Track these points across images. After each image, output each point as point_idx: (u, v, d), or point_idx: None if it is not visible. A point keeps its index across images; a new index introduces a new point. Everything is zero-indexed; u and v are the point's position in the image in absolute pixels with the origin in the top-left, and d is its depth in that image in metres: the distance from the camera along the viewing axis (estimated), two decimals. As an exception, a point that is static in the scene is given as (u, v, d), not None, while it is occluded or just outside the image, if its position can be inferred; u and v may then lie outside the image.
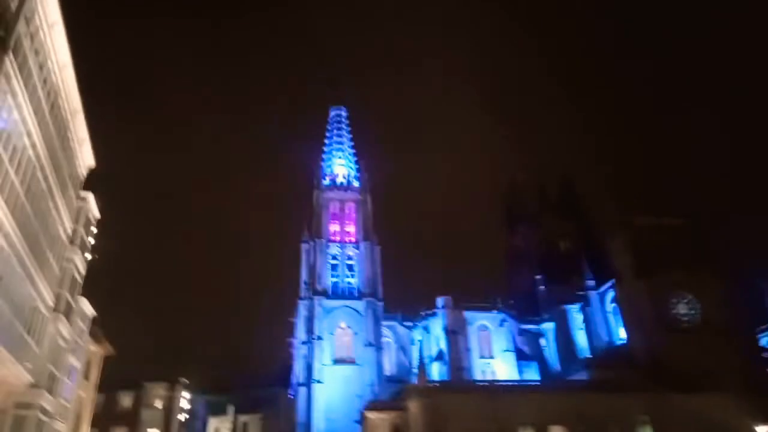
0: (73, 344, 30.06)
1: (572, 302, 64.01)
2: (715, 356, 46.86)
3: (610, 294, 61.50)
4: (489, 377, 57.12)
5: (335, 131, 75.47)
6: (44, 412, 24.75)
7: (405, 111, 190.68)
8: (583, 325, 63.27)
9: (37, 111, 20.14)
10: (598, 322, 62.09)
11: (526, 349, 63.62)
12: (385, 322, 61.64)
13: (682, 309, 54.81)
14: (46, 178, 21.95)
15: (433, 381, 52.40)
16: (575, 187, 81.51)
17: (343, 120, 76.72)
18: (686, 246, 55.99)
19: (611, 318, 61.61)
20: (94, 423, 41.90)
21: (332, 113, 77.34)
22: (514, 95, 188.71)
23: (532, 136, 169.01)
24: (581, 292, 63.79)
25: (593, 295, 63.12)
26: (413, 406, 44.61)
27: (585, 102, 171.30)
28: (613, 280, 59.76)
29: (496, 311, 62.72)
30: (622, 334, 59.31)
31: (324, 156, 73.64)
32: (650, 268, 54.30)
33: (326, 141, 75.11)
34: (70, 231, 26.54)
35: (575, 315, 64.07)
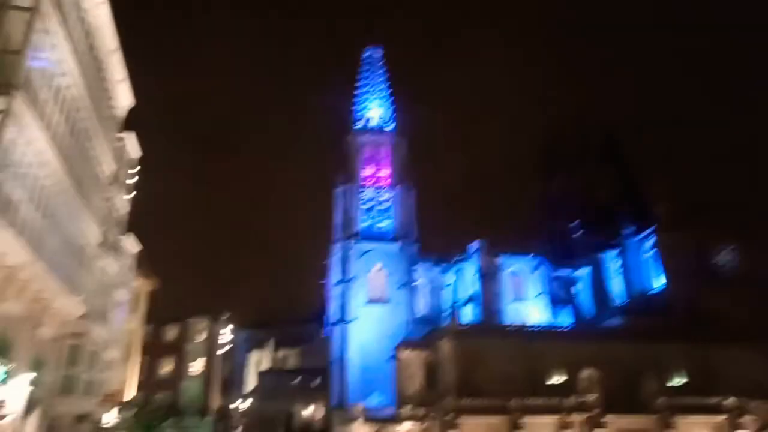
0: (120, 279, 31.52)
1: (609, 249, 63.05)
2: (758, 307, 45.78)
3: (649, 241, 60.16)
4: (521, 321, 57.59)
5: (369, 72, 73.95)
6: (96, 341, 26.33)
7: (441, 51, 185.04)
8: (619, 273, 62.48)
9: (76, 50, 20.26)
10: (634, 269, 61.13)
11: (559, 294, 63.50)
12: (418, 265, 62.29)
13: (724, 258, 53.36)
14: (87, 117, 22.36)
15: (465, 323, 53.18)
16: (616, 132, 78.63)
17: (378, 60, 74.94)
18: (732, 192, 53.95)
19: (648, 267, 60.54)
20: (144, 353, 44.56)
21: (366, 53, 75.58)
22: (555, 35, 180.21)
23: (574, 78, 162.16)
24: (619, 239, 62.63)
25: (631, 241, 61.88)
26: (445, 346, 45.54)
27: (629, 42, 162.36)
28: (653, 227, 58.36)
29: (530, 256, 62.45)
30: (658, 282, 58.42)
31: (357, 98, 72.61)
32: (693, 215, 52.68)
33: (360, 83, 73.81)
34: (112, 170, 27.25)
35: (611, 262, 63.21)
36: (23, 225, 16.67)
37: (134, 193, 32.24)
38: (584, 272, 64.90)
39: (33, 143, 17.32)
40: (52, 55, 18.43)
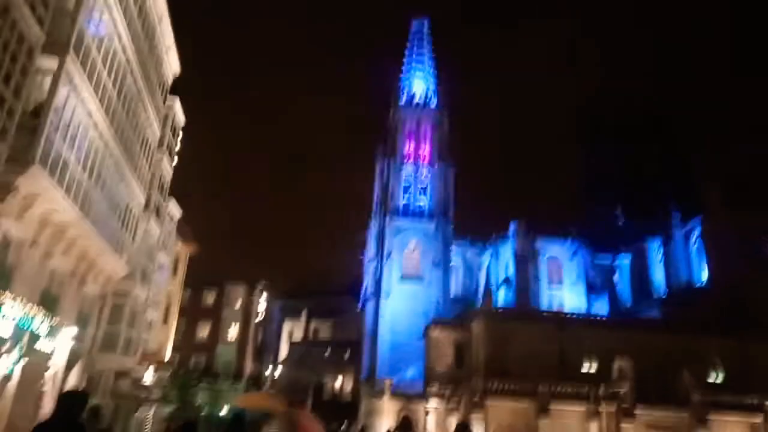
0: (163, 242, 32.39)
1: (653, 237, 61.10)
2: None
3: (696, 231, 57.94)
4: (556, 307, 56.84)
5: (415, 46, 72.85)
6: (138, 300, 27.25)
7: (489, 25, 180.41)
8: (661, 262, 60.64)
9: (126, 14, 20.54)
10: (679, 260, 59.17)
11: (597, 281, 62.27)
12: (454, 244, 61.98)
13: (774, 247, 50.96)
14: (136, 82, 22.75)
15: (499, 306, 52.84)
16: (662, 109, 75.38)
17: (425, 33, 73.63)
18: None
19: (694, 257, 58.49)
20: (181, 316, 45.97)
21: (413, 26, 74.39)
22: (604, 8, 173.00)
23: (621, 51, 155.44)
24: (663, 227, 60.53)
25: (677, 231, 59.72)
26: (477, 327, 45.38)
27: (681, 15, 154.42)
28: (701, 216, 56.08)
29: (569, 241, 61.23)
30: (702, 274, 56.46)
31: (403, 72, 71.76)
32: (743, 202, 50.37)
33: (406, 55, 72.82)
34: (158, 134, 27.77)
35: (654, 251, 61.33)
36: (72, 184, 17.18)
37: (177, 158, 32.88)
38: (625, 260, 63.34)
39: (84, 104, 17.74)
40: (103, 18, 18.72)
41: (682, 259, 58.87)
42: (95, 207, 19.41)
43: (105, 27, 18.99)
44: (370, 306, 59.24)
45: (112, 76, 19.98)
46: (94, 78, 18.31)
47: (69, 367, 20.72)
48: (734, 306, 46.34)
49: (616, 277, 63.35)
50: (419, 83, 70.52)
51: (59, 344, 18.24)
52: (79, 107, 17.47)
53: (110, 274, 23.26)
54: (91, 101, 18.12)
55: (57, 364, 19.16)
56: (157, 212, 29.43)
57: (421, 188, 64.29)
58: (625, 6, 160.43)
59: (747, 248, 50.29)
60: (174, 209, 34.64)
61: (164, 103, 28.94)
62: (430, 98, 69.69)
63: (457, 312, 53.56)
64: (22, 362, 15.47)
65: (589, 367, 42.60)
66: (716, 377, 42.33)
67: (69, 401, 5.56)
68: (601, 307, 59.48)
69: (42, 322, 16.15)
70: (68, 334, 18.70)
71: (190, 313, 50.46)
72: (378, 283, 58.99)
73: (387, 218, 61.00)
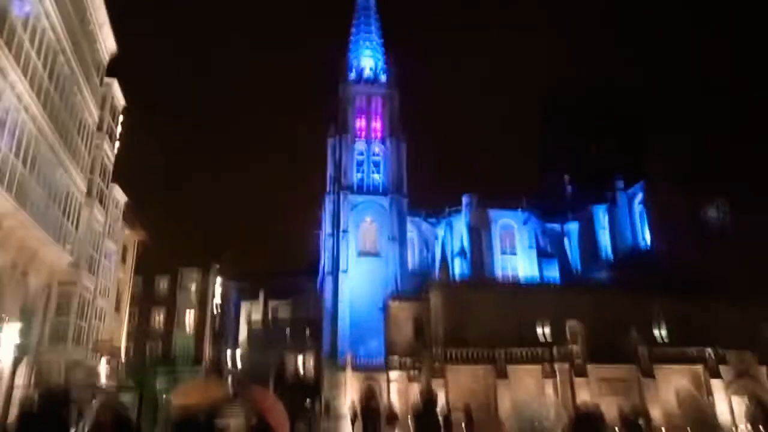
0: (109, 229, 31.32)
1: (599, 203, 63.49)
2: (743, 265, 46.29)
3: (639, 196, 60.57)
4: (510, 275, 58.42)
5: (363, 20, 71.91)
6: (86, 289, 26.38)
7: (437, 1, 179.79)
8: (607, 227, 63.16)
9: (54, -10, 19.38)
10: (624, 224, 61.79)
11: (549, 248, 64.23)
12: (409, 218, 62.48)
13: (712, 214, 53.90)
14: (68, 62, 21.62)
15: (455, 277, 53.90)
16: (614, 87, 77.84)
17: (372, 7, 72.77)
18: (723, 151, 53.99)
19: (638, 221, 61.17)
20: (135, 304, 44.84)
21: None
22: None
23: (574, 32, 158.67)
24: (609, 193, 62.98)
25: (621, 196, 62.26)
26: (435, 298, 46.26)
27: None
28: (644, 182, 58.66)
29: (520, 210, 62.77)
30: (647, 237, 59.15)
31: (351, 47, 70.83)
32: (683, 172, 52.87)
33: (353, 30, 71.86)
34: (96, 117, 26.61)
35: (601, 216, 63.77)
36: (5, 173, 16.32)
37: (120, 143, 31.65)
38: (574, 227, 65.55)
39: (12, 88, 16.76)
40: (29, -3, 17.62)
41: (627, 224, 61.51)
42: (32, 196, 18.54)
43: (31, 4, 17.88)
44: (328, 283, 59.30)
45: (42, 56, 18.93)
46: (22, 59, 17.31)
47: (16, 362, 19.95)
48: (675, 267, 48.91)
49: (565, 243, 65.54)
50: (368, 58, 69.81)
51: (3, 340, 17.50)
52: (8, 91, 16.51)
53: (54, 265, 22.38)
54: (20, 84, 17.16)
55: (2, 361, 18.41)
56: (101, 199, 28.36)
57: (374, 164, 64.23)
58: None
59: (686, 213, 52.94)
60: (119, 195, 33.47)
61: (101, 84, 27.68)
62: (380, 73, 69.21)
63: (416, 285, 54.30)
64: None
65: (542, 330, 44.13)
66: (660, 334, 44.73)
67: (51, 397, 5.75)
68: (553, 273, 61.52)
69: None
70: (12, 329, 17.95)
71: (144, 301, 49.30)
72: (335, 259, 59.03)
73: (341, 195, 60.83)
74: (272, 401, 5.54)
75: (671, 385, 39.52)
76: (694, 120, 57.13)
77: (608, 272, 53.98)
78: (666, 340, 43.48)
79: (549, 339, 41.42)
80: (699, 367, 39.75)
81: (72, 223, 23.44)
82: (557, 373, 38.52)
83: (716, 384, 38.87)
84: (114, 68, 29.21)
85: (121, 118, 30.95)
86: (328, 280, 59.30)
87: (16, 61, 16.73)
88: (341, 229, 59.41)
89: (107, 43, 27.38)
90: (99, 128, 27.31)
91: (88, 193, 26.07)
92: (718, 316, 41.84)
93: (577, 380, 37.72)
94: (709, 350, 39.83)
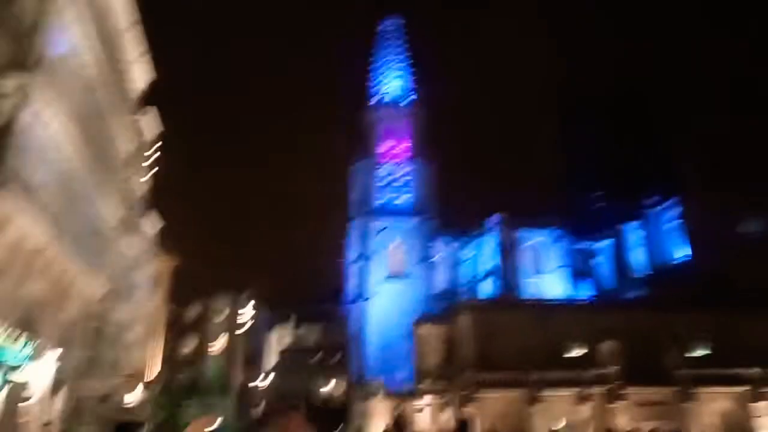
0: (142, 257, 31.88)
1: (630, 219, 62.11)
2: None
3: (672, 211, 58.99)
4: (540, 295, 57.34)
5: (386, 44, 72.73)
6: (118, 321, 26.78)
7: (460, 20, 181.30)
8: (640, 244, 61.65)
9: (89, 30, 20.14)
10: (656, 240, 60.21)
11: (579, 267, 62.95)
12: (437, 240, 62.11)
13: (751, 225, 52.12)
14: (103, 98, 22.36)
15: (484, 298, 53.15)
16: (640, 91, 76.39)
17: (395, 32, 73.52)
18: (762, 154, 51.92)
19: (671, 237, 59.57)
20: (167, 331, 45.34)
21: (383, 24, 74.20)
22: None
23: (596, 39, 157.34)
24: (641, 209, 61.54)
25: (654, 212, 60.76)
26: (463, 320, 45.57)
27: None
28: (677, 196, 57.15)
29: (549, 229, 61.84)
30: (681, 253, 57.50)
31: (374, 72, 71.59)
32: (719, 181, 51.47)
33: (376, 55, 72.70)
34: (130, 149, 27.34)
35: (633, 233, 62.32)
36: (43, 207, 16.80)
37: (155, 169, 32.32)
38: (605, 244, 64.18)
39: (50, 124, 17.35)
40: (65, 36, 18.34)
41: (660, 239, 59.95)
42: (69, 227, 19.02)
43: (68, 44, 18.61)
44: (356, 308, 59.13)
45: (78, 93, 19.60)
46: (59, 96, 17.94)
47: (54, 393, 20.23)
48: (714, 281, 47.27)
49: (597, 261, 64.19)
50: (393, 81, 70.46)
51: (41, 370, 17.78)
52: (45, 128, 17.10)
53: (89, 295, 22.80)
54: (57, 120, 17.75)
55: (39, 391, 18.68)
56: (135, 228, 28.97)
57: (401, 186, 64.30)
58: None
59: (724, 225, 51.40)
60: (153, 223, 34.13)
61: (135, 115, 28.52)
62: (405, 95, 69.70)
63: (444, 307, 53.69)
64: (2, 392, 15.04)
65: (576, 351, 43.06)
66: (701, 352, 43.11)
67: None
68: (585, 292, 60.18)
69: (20, 349, 15.72)
70: (50, 358, 18.25)
71: (175, 328, 49.82)
72: (362, 284, 58.92)
73: (367, 218, 60.93)
74: (302, 427, 5.54)
75: (714, 409, 37.91)
76: (725, 129, 55.49)
77: (642, 290, 52.52)
78: (707, 359, 41.90)
79: (582, 360, 40.48)
80: (743, 389, 38.06)
81: (106, 254, 23.94)
82: (593, 397, 37.35)
83: (760, 407, 37.13)
84: (151, 96, 30.04)
85: (156, 145, 31.72)
86: (356, 305, 59.14)
87: (53, 99, 17.34)
88: (366, 254, 59.37)
89: (143, 74, 28.28)
90: (134, 158, 28.03)
91: (123, 222, 26.65)
92: (760, 332, 40.20)
93: (615, 404, 36.48)
94: (754, 370, 38.16)
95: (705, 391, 37.82)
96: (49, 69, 16.94)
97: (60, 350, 19.41)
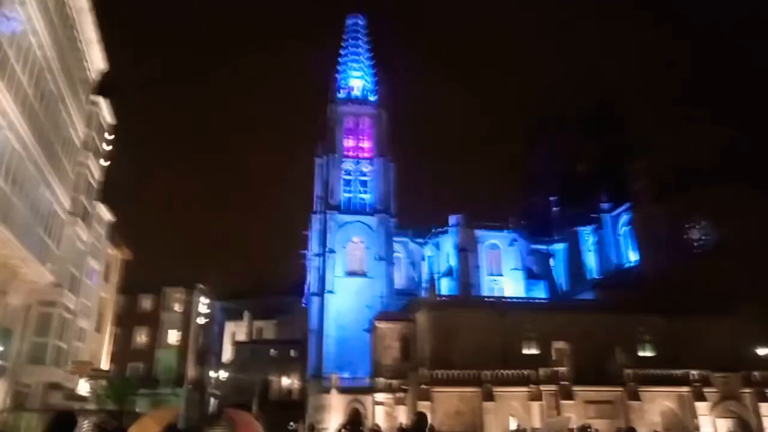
0: (92, 247, 30.90)
1: (585, 224, 64.10)
2: (729, 281, 46.31)
3: (624, 217, 61.27)
4: (497, 294, 58.41)
5: (351, 41, 72.62)
6: (67, 309, 25.90)
7: (426, 21, 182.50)
8: (594, 248, 63.66)
9: (42, 8, 19.36)
10: (609, 244, 62.33)
11: (535, 268, 64.49)
12: (396, 238, 62.50)
13: (696, 233, 54.53)
14: (55, 80, 21.51)
15: (442, 295, 53.76)
16: (600, 110, 78.83)
17: (361, 29, 73.57)
18: (707, 165, 53.87)
19: (623, 241, 61.74)
20: (117, 323, 44.03)
21: (349, 21, 74.09)
22: (544, 8, 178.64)
23: (560, 51, 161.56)
24: (595, 215, 63.62)
25: (607, 217, 62.96)
26: (421, 318, 46.04)
27: (622, 16, 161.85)
28: (629, 203, 59.37)
29: (507, 230, 63.08)
30: (632, 257, 59.61)
31: (340, 67, 71.37)
32: (667, 191, 53.53)
33: (342, 51, 72.53)
34: (83, 136, 26.42)
35: (587, 237, 64.34)
36: (-13, 190, 16.08)
37: (108, 162, 31.38)
38: (560, 247, 65.97)
39: (-3, 105, 16.62)
40: (18, 13, 17.57)
41: (613, 243, 62.06)
42: (13, 213, 18.26)
43: (18, 23, 17.82)
44: (314, 303, 58.86)
45: (28, 74, 18.82)
46: (8, 76, 17.19)
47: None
48: (661, 286, 49.21)
49: (552, 263, 65.84)
50: (357, 79, 70.38)
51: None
52: (-8, 107, 16.36)
53: (34, 284, 21.97)
54: (5, 101, 17.01)
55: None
56: (86, 217, 28.01)
57: (362, 183, 64.32)
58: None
59: (671, 232, 53.54)
60: (104, 213, 33.09)
61: (88, 102, 27.54)
62: (368, 93, 69.71)
63: (403, 304, 54.10)
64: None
65: (530, 350, 44.13)
66: (648, 353, 44.87)
67: (60, 422, 5.58)
68: (540, 293, 61.67)
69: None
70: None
71: (127, 320, 48.44)
72: (322, 279, 58.69)
73: (329, 214, 60.74)
74: (252, 422, 5.54)
75: (657, 408, 39.50)
76: (677, 134, 57.57)
77: (594, 292, 54.15)
78: (652, 359, 43.61)
79: (536, 359, 41.50)
80: (685, 389, 39.78)
81: (54, 241, 23.10)
82: (544, 396, 38.32)
83: (701, 406, 38.87)
84: (106, 86, 29.13)
85: (109, 136, 30.74)
86: (314, 300, 58.88)
87: (2, 79, 16.62)
88: (328, 249, 59.19)
89: (96, 62, 27.33)
90: (85, 146, 27.09)
91: (72, 211, 25.74)
92: (704, 334, 42.08)
93: (564, 403, 37.52)
94: (694, 372, 39.93)
95: (649, 392, 39.37)
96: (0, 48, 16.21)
97: (0, 338, 18.65)
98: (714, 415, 38.97)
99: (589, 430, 27.20)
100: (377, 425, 31.34)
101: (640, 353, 44.87)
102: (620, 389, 39.13)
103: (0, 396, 20.60)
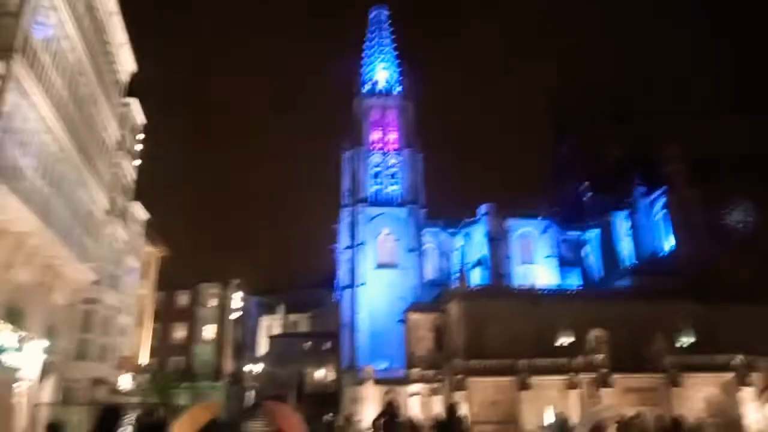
0: (130, 246, 31.70)
1: (619, 210, 62.65)
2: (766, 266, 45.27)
3: (660, 202, 59.57)
4: (529, 284, 57.71)
5: (376, 34, 72.47)
6: (109, 306, 26.67)
7: (451, 11, 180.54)
8: (628, 234, 62.18)
9: (73, 12, 19.80)
10: (644, 230, 60.76)
11: (568, 256, 63.42)
12: (427, 229, 62.29)
13: (735, 217, 52.89)
14: (89, 82, 22.02)
15: (474, 286, 53.45)
16: (628, 94, 76.86)
17: (384, 21, 73.33)
18: (745, 151, 52.74)
19: (659, 227, 60.13)
20: (156, 318, 45.23)
21: (372, 13, 73.90)
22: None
23: (589, 40, 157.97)
24: (629, 200, 62.13)
25: (642, 202, 61.35)
26: (454, 308, 45.91)
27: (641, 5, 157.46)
28: (664, 188, 57.80)
29: (538, 219, 62.20)
30: (669, 243, 58.09)
31: (365, 60, 71.35)
32: (704, 175, 52.04)
33: (366, 44, 72.46)
34: (117, 137, 27.04)
35: (621, 223, 62.83)
36: (29, 192, 16.60)
37: (140, 160, 32.11)
38: (593, 234, 64.65)
39: (35, 109, 17.10)
40: (50, 18, 18.03)
41: (648, 229, 60.47)
42: (56, 214, 18.82)
43: (52, 27, 18.29)
44: (346, 296, 59.27)
45: (63, 77, 19.30)
46: (44, 80, 17.64)
47: (42, 379, 20.18)
48: (698, 272, 47.93)
49: (586, 251, 64.67)
50: (382, 71, 70.25)
51: (29, 358, 17.72)
52: (31, 112, 16.84)
53: (77, 283, 22.65)
54: (43, 105, 17.48)
55: (29, 377, 18.62)
56: (122, 216, 28.74)
57: (391, 175, 64.32)
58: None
59: (708, 217, 52.04)
60: (140, 212, 33.89)
61: (121, 103, 28.16)
62: (394, 85, 69.54)
63: (434, 294, 54.00)
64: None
65: (565, 339, 43.55)
66: (687, 341, 43.79)
67: (106, 416, 5.93)
68: (574, 281, 60.67)
69: (9, 337, 15.64)
70: (38, 346, 18.18)
71: (165, 316, 49.70)
72: (353, 272, 59.02)
73: (358, 207, 60.96)
74: (291, 414, 5.58)
75: (700, 395, 38.58)
76: (713, 118, 56.07)
77: (630, 279, 53.00)
78: (692, 347, 42.58)
79: (571, 348, 40.97)
80: (729, 375, 38.75)
81: (94, 240, 23.75)
82: (582, 384, 37.84)
83: (746, 392, 37.84)
84: (134, 87, 29.76)
85: (141, 136, 31.43)
86: (346, 292, 59.29)
87: (39, 82, 17.08)
88: (358, 242, 59.45)
89: (126, 63, 27.89)
90: (120, 147, 27.74)
91: (110, 210, 26.42)
92: (745, 320, 40.86)
93: (603, 391, 36.98)
94: (739, 357, 38.83)
95: (691, 379, 38.49)
96: (33, 52, 16.66)
97: (47, 338, 19.32)
98: (762, 401, 37.90)
99: (639, 418, 26.67)
100: (413, 416, 31.34)
101: (679, 340, 43.84)
102: (661, 376, 38.37)
103: (51, 391, 21.34)
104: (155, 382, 35.15)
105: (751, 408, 37.32)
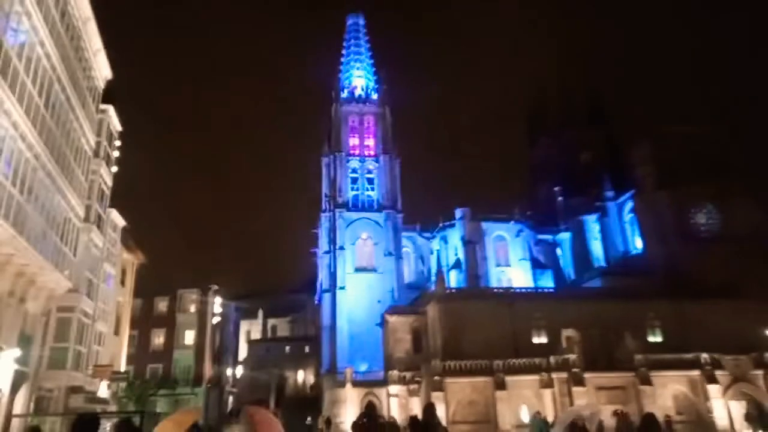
0: (107, 253, 31.58)
1: (590, 212, 64.10)
2: (735, 266, 46.83)
3: (629, 204, 61.23)
4: (505, 285, 58.66)
5: (353, 41, 73.06)
6: (85, 314, 26.62)
7: (426, 17, 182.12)
8: (599, 236, 63.66)
9: (47, 19, 19.89)
10: (614, 232, 62.33)
11: (542, 258, 64.62)
12: (404, 233, 62.97)
13: (701, 219, 54.52)
14: (63, 89, 22.07)
15: (451, 288, 54.13)
16: (600, 99, 78.65)
17: (361, 28, 73.96)
18: (709, 155, 54.59)
19: (628, 229, 61.70)
20: (134, 326, 44.85)
21: (349, 21, 74.44)
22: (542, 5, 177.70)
23: (559, 46, 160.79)
24: (600, 203, 63.63)
25: (611, 205, 62.96)
26: (431, 310, 46.49)
27: (612, 10, 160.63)
28: (633, 191, 59.37)
29: (513, 222, 63.28)
30: (638, 244, 59.59)
31: (342, 67, 71.83)
32: (671, 178, 53.57)
33: (344, 52, 72.97)
34: (93, 143, 27.01)
35: (592, 225, 64.34)
36: (1, 200, 16.66)
37: (117, 167, 32.02)
38: (566, 236, 66.01)
39: (8, 116, 17.16)
40: (23, 24, 18.10)
41: (618, 231, 62.04)
42: (29, 222, 18.87)
43: (25, 33, 18.37)
44: (326, 299, 59.54)
45: (37, 84, 19.37)
46: (17, 88, 17.73)
47: (14, 389, 20.10)
48: (667, 272, 49.38)
49: (559, 253, 65.91)
50: (359, 78, 70.82)
51: (1, 364, 17.72)
52: (3, 119, 16.93)
53: (52, 291, 22.61)
54: (16, 112, 17.56)
55: (2, 384, 18.59)
56: (99, 223, 28.69)
57: (369, 180, 64.86)
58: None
59: (675, 219, 53.58)
60: (117, 219, 33.75)
61: (97, 109, 28.14)
62: (371, 92, 70.12)
63: (413, 297, 54.56)
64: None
65: (539, 339, 44.44)
66: (656, 339, 45.02)
67: (82, 425, 5.86)
68: (547, 282, 61.84)
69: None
70: (9, 356, 18.14)
71: (144, 322, 49.29)
72: (333, 276, 59.33)
73: (337, 212, 61.32)
74: (271, 419, 5.65)
75: (669, 392, 39.67)
76: (680, 121, 57.90)
77: (601, 280, 54.31)
78: (661, 345, 43.76)
79: (545, 348, 41.82)
80: (696, 373, 39.91)
81: (70, 248, 23.73)
82: (555, 383, 38.64)
83: (713, 389, 39.00)
84: (110, 93, 29.72)
85: (117, 143, 31.39)
86: (326, 296, 59.55)
87: (12, 90, 17.16)
88: (337, 246, 59.79)
89: (102, 70, 27.88)
90: (96, 154, 27.69)
91: (86, 218, 26.36)
92: (711, 319, 42.15)
93: (575, 389, 37.81)
94: (704, 356, 40.04)
95: (660, 376, 39.55)
96: (5, 59, 16.75)
97: (19, 348, 19.30)
98: (727, 397, 39.07)
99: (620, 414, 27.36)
100: (392, 417, 31.86)
101: (649, 339, 45.03)
102: (631, 374, 39.35)
103: (23, 401, 21.27)
104: (133, 389, 34.96)
105: (718, 405, 38.45)
